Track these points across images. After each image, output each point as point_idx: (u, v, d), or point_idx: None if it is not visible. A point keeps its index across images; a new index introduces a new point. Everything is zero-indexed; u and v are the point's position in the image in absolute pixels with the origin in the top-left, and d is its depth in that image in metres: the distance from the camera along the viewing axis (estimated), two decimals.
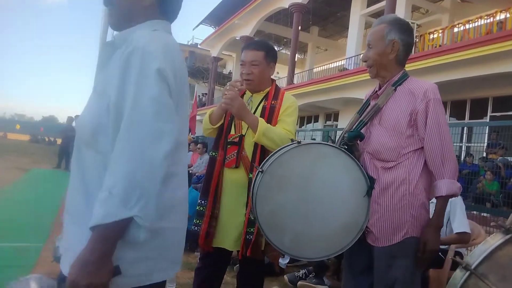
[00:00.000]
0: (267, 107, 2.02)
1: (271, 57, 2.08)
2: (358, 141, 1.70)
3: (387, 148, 1.61)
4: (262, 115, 1.99)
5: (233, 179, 1.98)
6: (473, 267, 0.81)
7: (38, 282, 1.05)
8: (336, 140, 1.72)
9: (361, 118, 1.70)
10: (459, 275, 0.83)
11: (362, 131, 1.68)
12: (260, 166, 1.61)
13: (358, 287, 1.69)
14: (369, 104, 1.75)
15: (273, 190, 1.56)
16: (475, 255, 0.81)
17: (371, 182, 1.56)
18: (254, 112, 2.01)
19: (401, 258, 1.54)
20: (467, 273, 0.81)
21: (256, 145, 1.95)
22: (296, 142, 1.56)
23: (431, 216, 1.59)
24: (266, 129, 1.87)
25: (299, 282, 3.17)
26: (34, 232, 4.30)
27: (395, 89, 1.65)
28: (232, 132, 2.03)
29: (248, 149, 1.97)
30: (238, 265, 3.40)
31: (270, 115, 1.99)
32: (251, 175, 1.91)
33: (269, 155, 1.66)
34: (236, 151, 1.96)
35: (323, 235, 1.58)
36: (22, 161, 13.02)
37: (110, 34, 1.11)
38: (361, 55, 14.25)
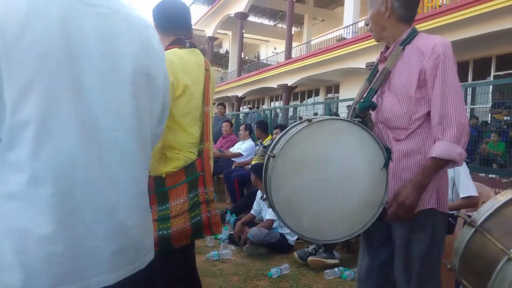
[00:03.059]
0: None
1: (157, 25, 1.78)
2: (371, 111, 1.59)
3: (397, 115, 1.50)
4: None
5: None
6: (478, 223, 0.78)
7: None
8: (348, 113, 1.61)
9: (370, 86, 1.58)
10: (465, 232, 0.81)
11: (373, 99, 1.55)
12: (270, 150, 1.49)
13: (373, 261, 1.65)
14: (378, 69, 1.62)
15: (288, 174, 1.46)
16: (482, 212, 0.79)
17: (388, 153, 1.47)
18: None
19: (419, 232, 1.46)
20: (473, 230, 0.79)
21: None
22: (306, 120, 1.45)
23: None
24: None
25: (309, 258, 3.17)
26: None
27: (403, 49, 1.50)
28: None
29: None
30: (248, 244, 3.43)
31: None
32: None
33: (278, 137, 1.54)
34: None
35: (343, 214, 1.50)
36: None
37: None
38: (359, 22, 13.95)
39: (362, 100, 1.56)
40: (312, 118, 1.46)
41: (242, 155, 5.73)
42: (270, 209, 3.53)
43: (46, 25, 0.71)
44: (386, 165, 1.47)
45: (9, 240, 0.70)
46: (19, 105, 0.68)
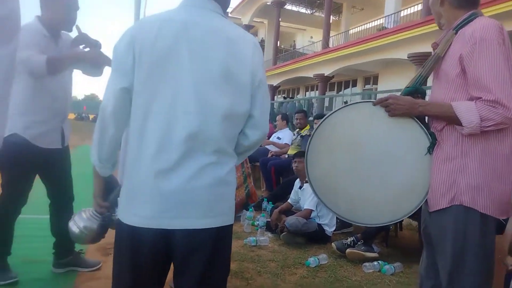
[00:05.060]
0: None
1: None
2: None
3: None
4: None
5: None
6: None
7: (86, 212, 1.41)
8: None
9: (420, 72, 1.55)
10: None
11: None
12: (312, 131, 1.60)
13: (429, 258, 1.60)
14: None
15: (323, 152, 1.53)
16: None
17: (432, 138, 1.44)
18: None
19: (449, 228, 1.39)
20: None
21: None
22: (344, 103, 1.54)
23: None
24: None
25: (348, 250, 3.12)
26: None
27: (455, 33, 1.45)
28: None
29: None
30: (285, 233, 3.43)
31: None
32: None
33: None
34: None
35: (382, 199, 1.48)
36: (72, 139, 13.66)
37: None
38: (401, 11, 13.34)
39: (407, 86, 1.56)
40: (348, 102, 1.49)
41: (289, 145, 5.65)
42: (309, 199, 3.54)
43: (164, 41, 1.06)
44: (430, 150, 1.45)
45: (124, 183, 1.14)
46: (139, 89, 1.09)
